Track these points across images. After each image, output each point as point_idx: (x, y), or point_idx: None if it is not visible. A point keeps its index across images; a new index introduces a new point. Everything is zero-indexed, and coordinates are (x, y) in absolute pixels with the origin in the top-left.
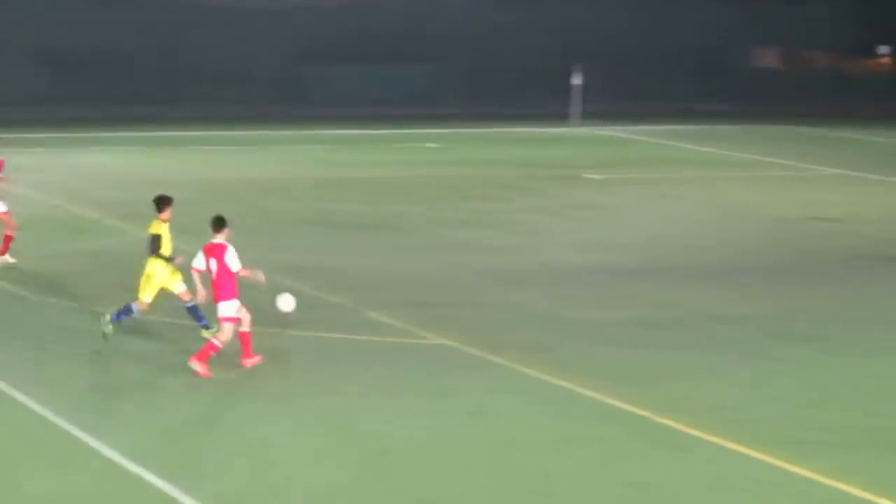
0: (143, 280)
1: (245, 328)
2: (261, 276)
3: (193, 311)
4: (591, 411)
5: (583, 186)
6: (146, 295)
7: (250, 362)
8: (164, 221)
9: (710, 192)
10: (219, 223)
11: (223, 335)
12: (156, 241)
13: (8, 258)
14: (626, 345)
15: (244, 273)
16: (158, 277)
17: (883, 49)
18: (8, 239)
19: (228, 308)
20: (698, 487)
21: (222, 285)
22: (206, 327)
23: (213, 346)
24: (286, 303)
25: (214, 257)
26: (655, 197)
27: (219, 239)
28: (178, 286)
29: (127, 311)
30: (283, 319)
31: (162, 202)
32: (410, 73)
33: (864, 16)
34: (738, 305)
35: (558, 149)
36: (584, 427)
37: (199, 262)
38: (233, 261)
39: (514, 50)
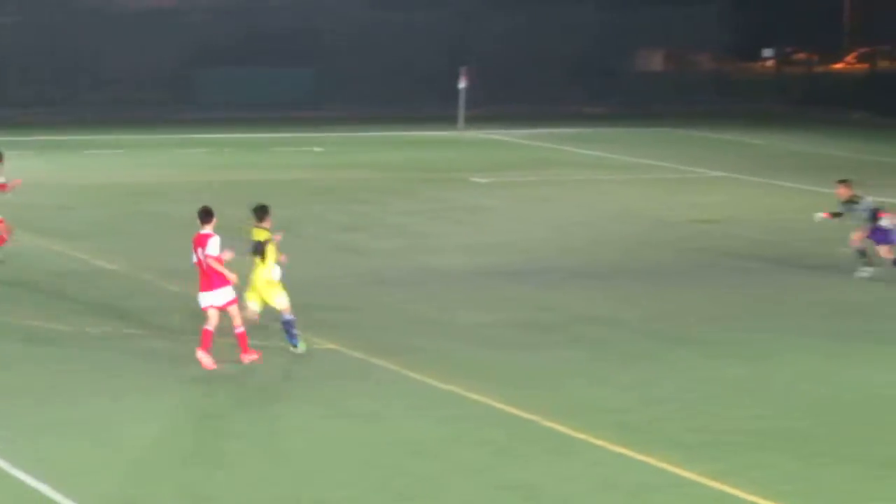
0: (265, 291)
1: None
2: (232, 277)
3: (288, 326)
4: (477, 414)
5: (468, 190)
6: (280, 298)
7: (247, 358)
8: (266, 229)
9: (594, 195)
10: (206, 214)
11: (210, 323)
12: (260, 246)
13: None
14: (511, 348)
15: (219, 261)
16: (260, 285)
17: (767, 52)
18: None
19: (225, 294)
20: (584, 490)
21: (207, 275)
22: (295, 346)
23: (207, 332)
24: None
25: (202, 247)
26: (540, 200)
27: (206, 229)
28: (279, 300)
29: (289, 325)
30: (170, 323)
31: (261, 211)
32: (298, 75)
33: (748, 19)
34: (621, 307)
35: (444, 152)
36: (470, 430)
37: (193, 255)
38: (213, 248)
39: (401, 53)
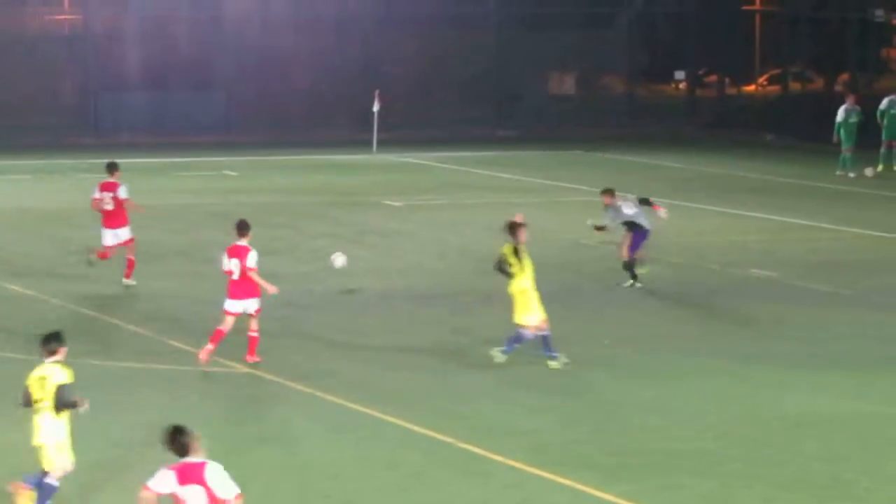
0: (518, 302)
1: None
2: (270, 288)
3: (546, 341)
4: (392, 437)
5: (381, 213)
6: (529, 316)
7: (252, 360)
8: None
9: (506, 218)
10: (243, 227)
11: (226, 325)
12: (504, 261)
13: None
14: (426, 371)
15: (254, 274)
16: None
17: (679, 74)
18: (131, 263)
19: (236, 305)
20: None
21: (242, 284)
22: (554, 358)
23: (254, 339)
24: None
25: (237, 258)
26: (453, 223)
27: (243, 241)
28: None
29: (518, 339)
30: (87, 349)
31: (515, 228)
32: (207, 99)
33: (660, 41)
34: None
35: (357, 176)
36: (385, 452)
37: (224, 263)
38: (252, 261)
39: (313, 76)
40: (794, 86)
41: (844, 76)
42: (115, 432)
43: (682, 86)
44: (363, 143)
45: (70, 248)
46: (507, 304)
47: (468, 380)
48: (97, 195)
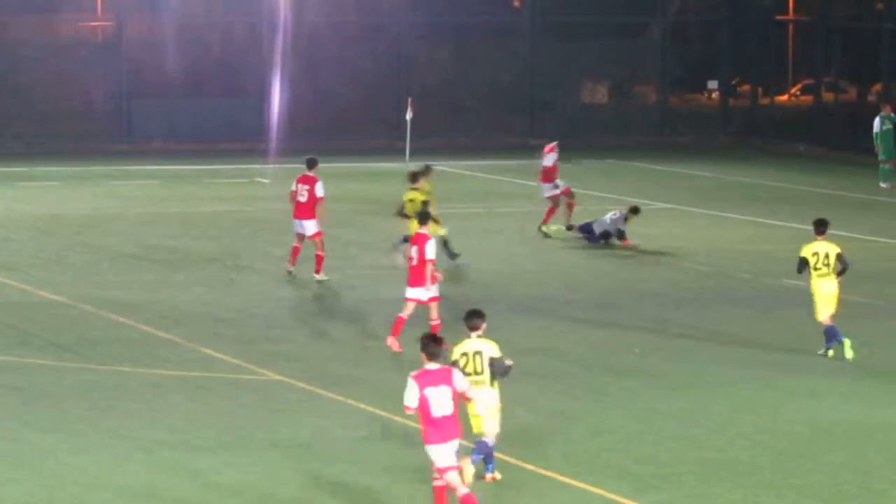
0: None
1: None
2: (438, 276)
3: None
4: (423, 446)
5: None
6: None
7: (392, 342)
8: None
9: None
10: (424, 216)
11: (406, 311)
12: (803, 262)
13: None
14: None
15: (431, 266)
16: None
17: (712, 84)
18: (320, 259)
19: (416, 292)
20: None
21: (418, 271)
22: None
23: (435, 327)
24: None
25: (418, 245)
26: (486, 231)
27: (424, 230)
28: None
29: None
30: (111, 354)
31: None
32: (240, 106)
33: (693, 51)
34: (566, 339)
35: (389, 184)
36: (416, 461)
37: (407, 250)
38: (430, 251)
39: (346, 84)
40: (827, 96)
41: (878, 86)
42: (146, 437)
43: (714, 95)
44: (396, 151)
45: (101, 255)
46: (539, 312)
47: (502, 391)
48: (294, 187)
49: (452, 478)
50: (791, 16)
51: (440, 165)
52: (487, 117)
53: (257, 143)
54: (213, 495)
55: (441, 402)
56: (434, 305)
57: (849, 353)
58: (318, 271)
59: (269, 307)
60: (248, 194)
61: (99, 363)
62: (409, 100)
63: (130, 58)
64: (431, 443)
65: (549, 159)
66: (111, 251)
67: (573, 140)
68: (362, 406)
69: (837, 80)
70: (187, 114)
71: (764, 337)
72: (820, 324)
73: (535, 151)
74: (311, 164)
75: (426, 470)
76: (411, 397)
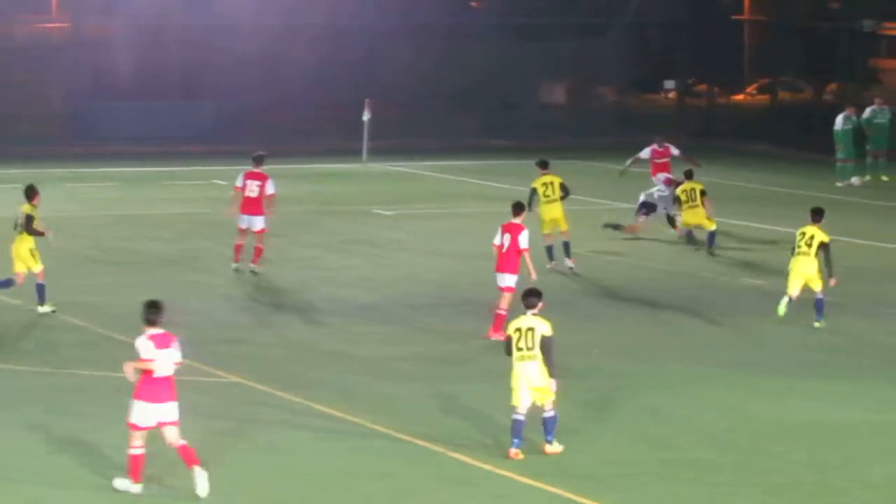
0: None
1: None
2: (534, 273)
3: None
4: (382, 447)
5: (372, 222)
6: None
7: (496, 336)
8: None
9: (497, 227)
10: (519, 207)
11: (504, 303)
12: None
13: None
14: (416, 380)
15: (527, 255)
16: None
17: (668, 84)
18: (259, 251)
19: (511, 279)
20: None
21: (510, 259)
22: None
23: (501, 316)
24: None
25: (510, 233)
26: (445, 232)
27: (517, 220)
28: None
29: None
30: (77, 358)
31: None
32: (197, 108)
33: (650, 52)
34: None
35: (348, 185)
36: (375, 462)
37: (497, 237)
38: (524, 240)
39: (304, 85)
40: (783, 95)
41: (833, 86)
42: (104, 441)
43: (671, 95)
44: (354, 153)
45: (61, 258)
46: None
47: (458, 390)
48: (240, 183)
49: (172, 432)
50: (747, 16)
51: (398, 166)
52: (446, 118)
53: (215, 144)
54: (170, 497)
55: (164, 364)
56: (507, 295)
57: (782, 311)
58: (255, 262)
59: (226, 309)
60: (206, 196)
61: (57, 366)
62: (367, 101)
63: (88, 60)
64: (154, 401)
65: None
66: (70, 254)
67: (531, 141)
68: (319, 407)
69: (794, 79)
70: (145, 115)
71: (724, 336)
72: (789, 297)
73: (495, 152)
74: (260, 161)
75: (382, 469)
76: (149, 352)
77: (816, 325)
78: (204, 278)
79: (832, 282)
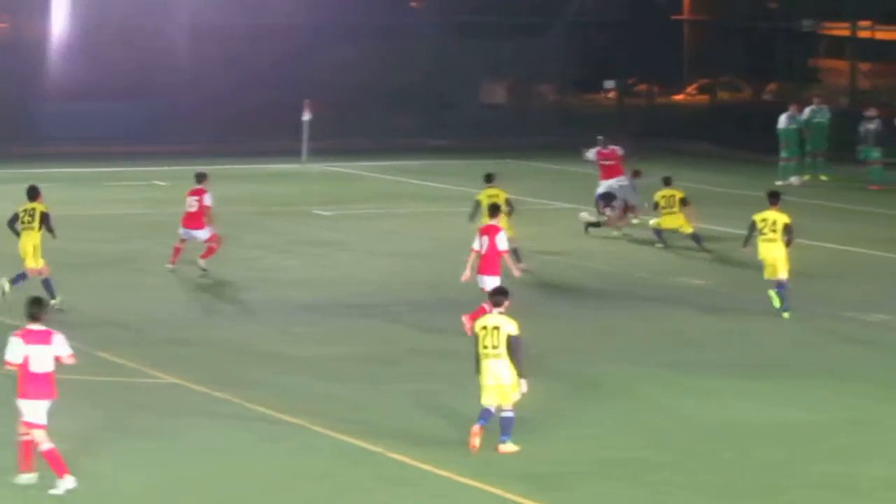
0: None
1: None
2: (516, 271)
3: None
4: (321, 447)
5: (312, 223)
6: None
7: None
8: None
9: (438, 227)
10: (494, 209)
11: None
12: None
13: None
14: (354, 381)
15: (506, 256)
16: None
17: (608, 84)
18: (212, 250)
19: (494, 281)
20: None
21: (490, 262)
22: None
23: (481, 310)
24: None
25: (487, 235)
26: (384, 232)
27: (494, 222)
28: None
29: None
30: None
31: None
32: (139, 109)
33: (590, 51)
34: (463, 340)
35: (288, 185)
36: (314, 463)
37: (476, 242)
38: (501, 242)
39: (244, 86)
40: (723, 95)
41: (772, 86)
42: None
43: (611, 95)
44: (294, 153)
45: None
46: (436, 313)
47: (396, 389)
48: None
49: (39, 435)
50: (687, 15)
51: (338, 167)
52: (386, 118)
53: (156, 145)
54: (110, 499)
55: (41, 361)
56: None
57: (776, 303)
58: (204, 257)
59: (166, 310)
60: (146, 197)
61: None
62: (307, 101)
63: (28, 60)
64: (25, 398)
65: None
66: (10, 255)
67: (472, 140)
68: (259, 408)
69: (733, 79)
70: (87, 116)
71: (662, 336)
72: (771, 281)
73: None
74: (201, 179)
75: (322, 469)
76: (15, 354)
77: (785, 315)
78: (144, 279)
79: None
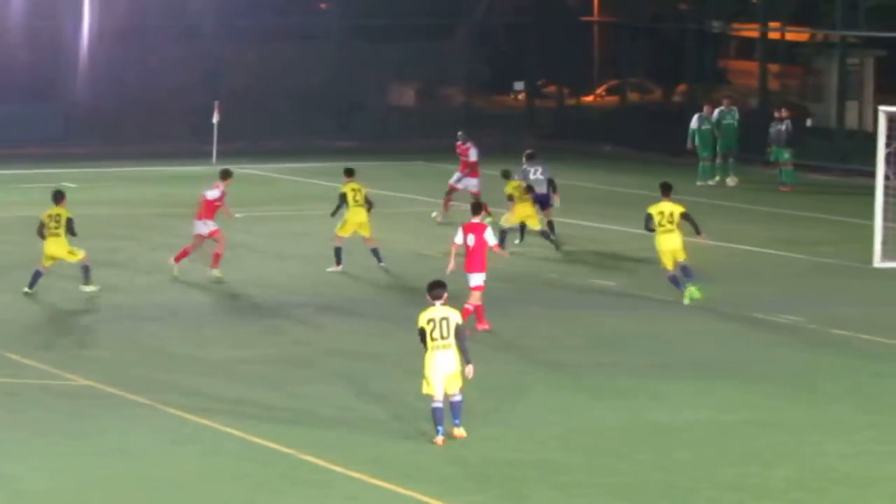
0: None
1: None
2: (505, 254)
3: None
4: (233, 449)
5: (222, 225)
6: None
7: (482, 327)
8: None
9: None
10: (478, 207)
11: (475, 300)
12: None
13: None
14: (265, 383)
15: (496, 249)
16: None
17: (518, 85)
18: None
19: (480, 278)
20: None
21: (477, 258)
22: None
23: (467, 311)
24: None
25: (473, 233)
26: (294, 234)
27: (477, 220)
28: None
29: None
30: None
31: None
32: (45, 110)
33: (498, 52)
34: (374, 342)
35: (197, 187)
36: (226, 464)
37: (458, 237)
38: (490, 237)
39: (153, 87)
40: (633, 96)
41: (682, 87)
42: None
43: (521, 97)
44: (203, 155)
45: None
46: (347, 315)
47: (307, 391)
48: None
49: None
50: (596, 17)
51: (248, 169)
52: (296, 120)
53: (63, 147)
54: (21, 500)
55: None
56: (477, 294)
57: (690, 297)
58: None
59: (76, 312)
60: None
61: None
62: (217, 103)
63: None
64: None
65: None
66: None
67: (381, 142)
68: (170, 410)
69: (642, 80)
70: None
71: (571, 338)
72: (666, 271)
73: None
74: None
75: (234, 471)
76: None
77: (693, 287)
78: (55, 281)
79: (702, 237)
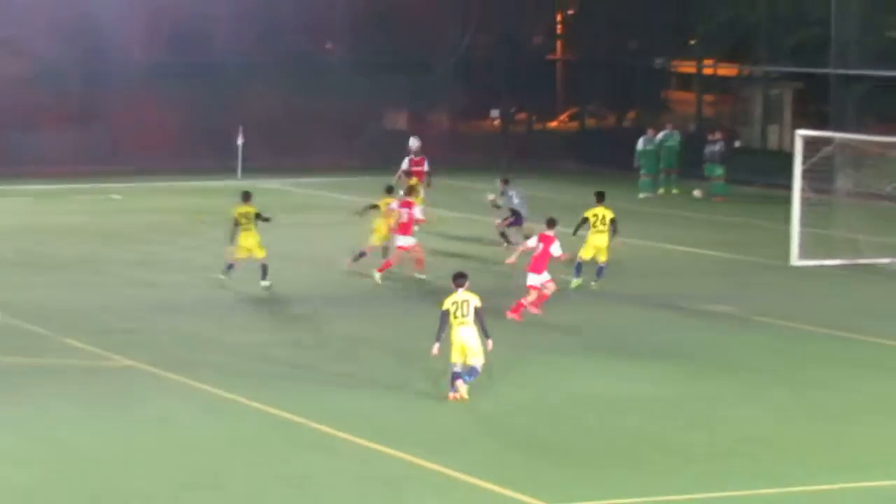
0: None
1: (547, 292)
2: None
3: None
4: (255, 419)
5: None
6: None
7: (535, 310)
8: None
9: (354, 233)
10: (552, 222)
11: (530, 297)
12: (583, 220)
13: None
14: (283, 363)
15: (563, 258)
16: None
17: (494, 112)
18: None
19: (536, 279)
20: (348, 481)
21: (539, 263)
22: None
23: (520, 305)
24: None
25: (543, 243)
26: (303, 239)
27: (550, 232)
28: None
29: None
30: None
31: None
32: (93, 132)
33: (477, 83)
34: (373, 328)
35: (222, 198)
36: (249, 432)
37: (532, 242)
38: (556, 249)
39: (188, 114)
40: (591, 122)
41: (632, 113)
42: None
43: (496, 122)
44: (229, 170)
45: None
46: (350, 307)
47: (317, 369)
48: (395, 207)
49: None
50: (559, 55)
51: (268, 183)
52: (308, 141)
53: (110, 164)
54: (85, 462)
55: None
56: (533, 292)
57: (577, 287)
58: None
59: (120, 304)
60: (104, 209)
61: None
62: (241, 127)
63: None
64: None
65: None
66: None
67: (379, 162)
68: (202, 386)
69: (599, 108)
70: (49, 141)
71: (529, 326)
72: (580, 259)
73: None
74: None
75: (259, 438)
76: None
77: (593, 285)
78: (99, 278)
79: (619, 242)
